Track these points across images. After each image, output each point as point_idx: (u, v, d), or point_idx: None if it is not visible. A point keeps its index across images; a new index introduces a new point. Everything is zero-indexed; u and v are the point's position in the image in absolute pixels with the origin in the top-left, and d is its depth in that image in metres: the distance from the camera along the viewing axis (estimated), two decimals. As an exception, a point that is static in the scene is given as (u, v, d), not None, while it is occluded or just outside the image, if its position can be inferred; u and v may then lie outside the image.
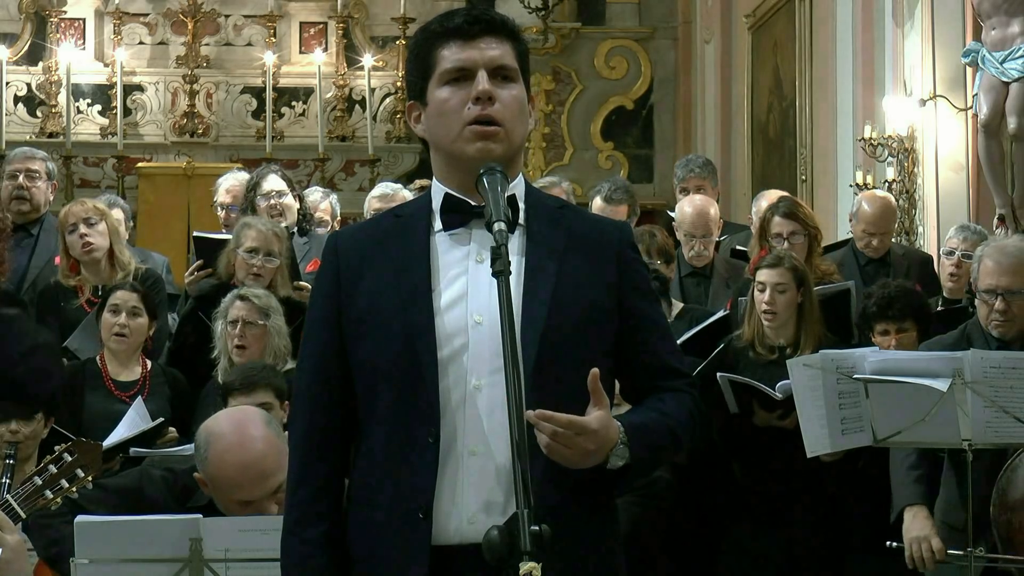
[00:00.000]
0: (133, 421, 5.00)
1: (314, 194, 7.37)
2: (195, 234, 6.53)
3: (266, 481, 3.53)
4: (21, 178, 6.55)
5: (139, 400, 5.15)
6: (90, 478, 3.90)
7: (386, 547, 2.59)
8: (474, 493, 2.55)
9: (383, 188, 7.03)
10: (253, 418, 3.68)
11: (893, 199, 7.29)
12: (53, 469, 3.86)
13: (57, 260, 6.06)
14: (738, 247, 7.01)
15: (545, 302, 2.58)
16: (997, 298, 4.68)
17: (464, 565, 2.54)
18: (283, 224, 6.35)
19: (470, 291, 2.61)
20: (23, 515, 3.81)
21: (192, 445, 4.68)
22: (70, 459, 3.87)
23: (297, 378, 2.81)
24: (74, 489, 3.86)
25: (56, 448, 3.98)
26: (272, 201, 6.50)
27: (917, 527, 4.56)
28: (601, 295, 2.65)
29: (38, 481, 3.85)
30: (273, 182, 6.59)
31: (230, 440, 3.61)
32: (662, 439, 2.64)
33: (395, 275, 2.63)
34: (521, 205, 2.65)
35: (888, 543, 4.58)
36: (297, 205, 6.61)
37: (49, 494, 3.84)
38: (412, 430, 2.57)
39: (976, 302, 4.82)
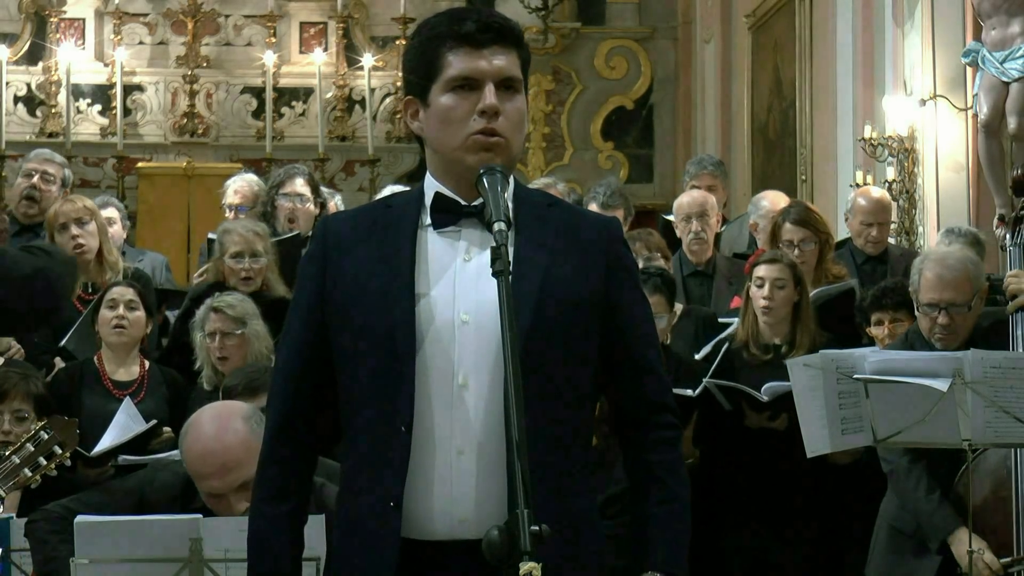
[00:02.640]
0: (124, 425, 4.97)
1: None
2: (211, 236, 6.50)
3: (229, 474, 3.54)
4: (36, 178, 6.54)
5: (127, 401, 5.13)
6: (68, 455, 3.91)
7: (360, 536, 2.60)
8: (464, 492, 2.55)
9: (391, 190, 7.03)
10: (233, 412, 3.70)
11: (887, 194, 7.30)
12: (30, 448, 3.87)
13: None
14: (736, 251, 7.03)
15: (532, 299, 2.56)
16: (940, 312, 4.65)
17: (456, 562, 2.54)
18: (296, 230, 6.35)
19: (457, 290, 2.60)
20: (3, 493, 3.83)
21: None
22: (46, 437, 3.88)
23: (276, 358, 2.83)
24: (52, 466, 3.87)
25: (32, 427, 3.99)
26: (292, 204, 6.51)
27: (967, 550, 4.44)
28: (588, 291, 2.64)
29: (16, 460, 3.86)
30: (298, 185, 6.60)
31: (201, 429, 3.64)
32: (685, 536, 2.72)
33: (378, 266, 2.62)
34: (510, 204, 2.63)
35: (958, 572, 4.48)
36: (316, 212, 6.61)
37: (28, 472, 3.85)
38: (388, 423, 2.57)
39: (917, 313, 4.78)
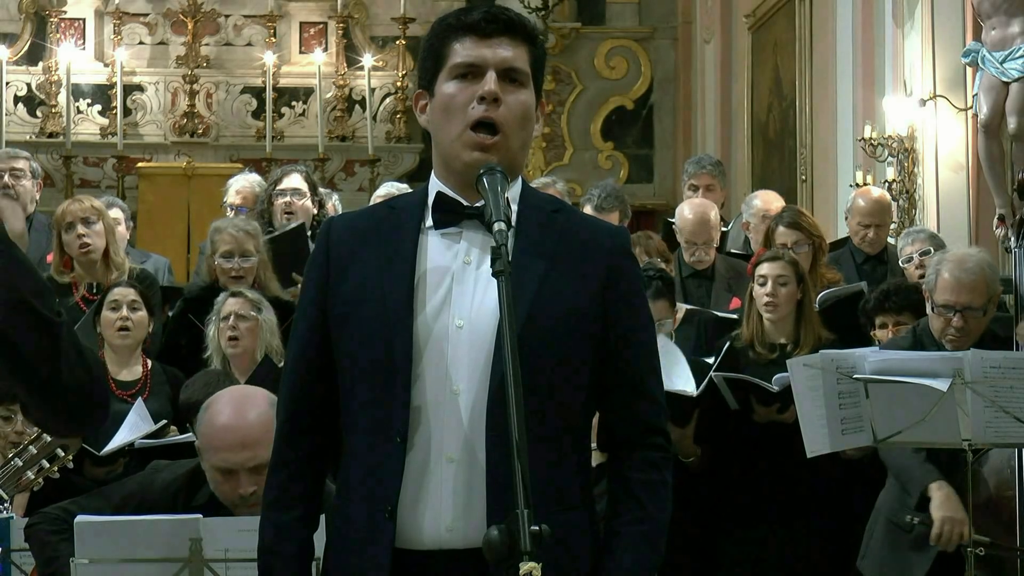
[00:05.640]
0: (135, 424, 4.99)
1: None
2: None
3: (245, 450, 3.54)
4: (6, 177, 6.56)
5: (140, 401, 5.14)
6: (70, 457, 3.91)
7: (354, 545, 2.60)
8: (453, 501, 2.54)
9: (388, 188, 7.05)
10: (256, 394, 3.71)
11: (887, 194, 7.31)
12: (33, 450, 3.87)
13: (49, 258, 6.05)
14: (733, 250, 7.04)
15: (525, 307, 2.53)
16: (955, 314, 4.64)
17: (445, 570, 2.54)
18: (292, 224, 6.37)
19: (454, 295, 2.58)
20: (6, 496, 3.82)
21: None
22: (49, 439, 3.87)
23: (285, 362, 2.82)
24: (55, 469, 3.87)
25: (35, 428, 3.99)
26: (288, 199, 6.53)
27: (951, 508, 4.46)
28: (584, 302, 2.60)
29: (18, 462, 3.85)
30: (294, 181, 6.63)
31: (225, 404, 3.65)
32: (652, 559, 2.62)
33: (380, 270, 2.61)
34: (514, 207, 2.62)
35: (910, 518, 4.53)
36: (315, 210, 6.61)
37: (31, 475, 3.85)
38: (383, 430, 2.56)
39: (930, 313, 4.76)
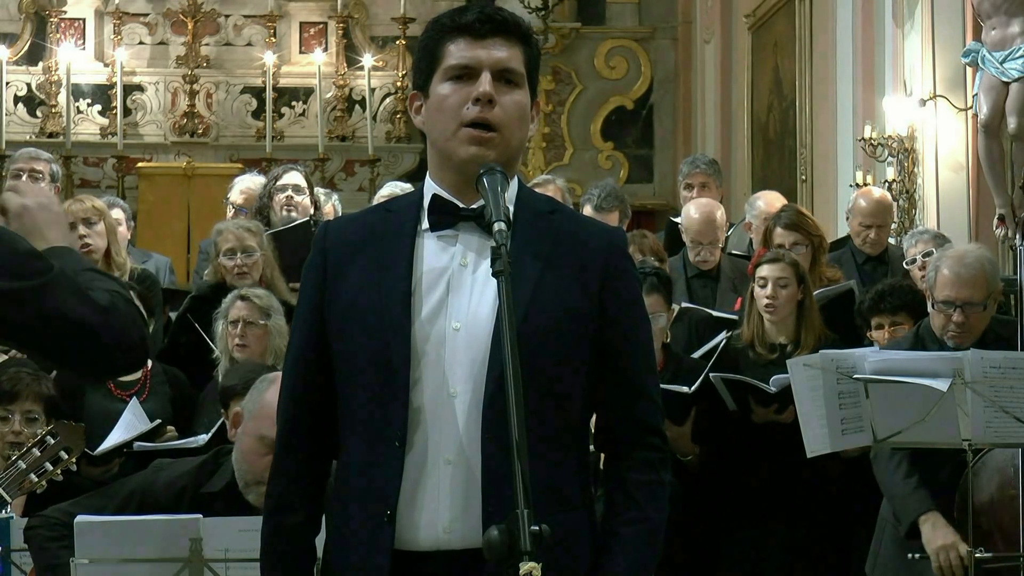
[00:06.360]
0: (130, 423, 4.98)
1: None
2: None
3: None
4: (24, 178, 6.55)
5: (135, 401, 5.13)
6: (74, 459, 3.91)
7: (353, 547, 2.59)
8: (450, 502, 2.54)
9: (391, 188, 7.05)
10: None
11: (888, 195, 7.32)
12: (36, 452, 3.86)
13: None
14: (734, 251, 7.04)
15: (522, 307, 2.52)
16: (955, 310, 4.63)
17: (443, 571, 2.54)
18: (297, 221, 6.38)
19: (451, 297, 2.58)
20: (9, 499, 3.82)
21: (195, 439, 4.71)
22: (53, 442, 3.87)
23: (283, 365, 2.82)
24: (59, 471, 3.86)
25: (39, 431, 3.98)
26: (288, 193, 6.54)
27: (940, 536, 4.46)
28: (581, 302, 2.60)
29: (22, 465, 3.84)
30: (294, 177, 6.64)
31: None
32: (649, 559, 2.63)
33: (377, 274, 2.61)
34: (510, 208, 2.61)
35: (910, 555, 4.50)
36: (312, 210, 6.62)
37: (34, 477, 3.84)
38: (382, 433, 2.56)
39: (931, 310, 4.76)
